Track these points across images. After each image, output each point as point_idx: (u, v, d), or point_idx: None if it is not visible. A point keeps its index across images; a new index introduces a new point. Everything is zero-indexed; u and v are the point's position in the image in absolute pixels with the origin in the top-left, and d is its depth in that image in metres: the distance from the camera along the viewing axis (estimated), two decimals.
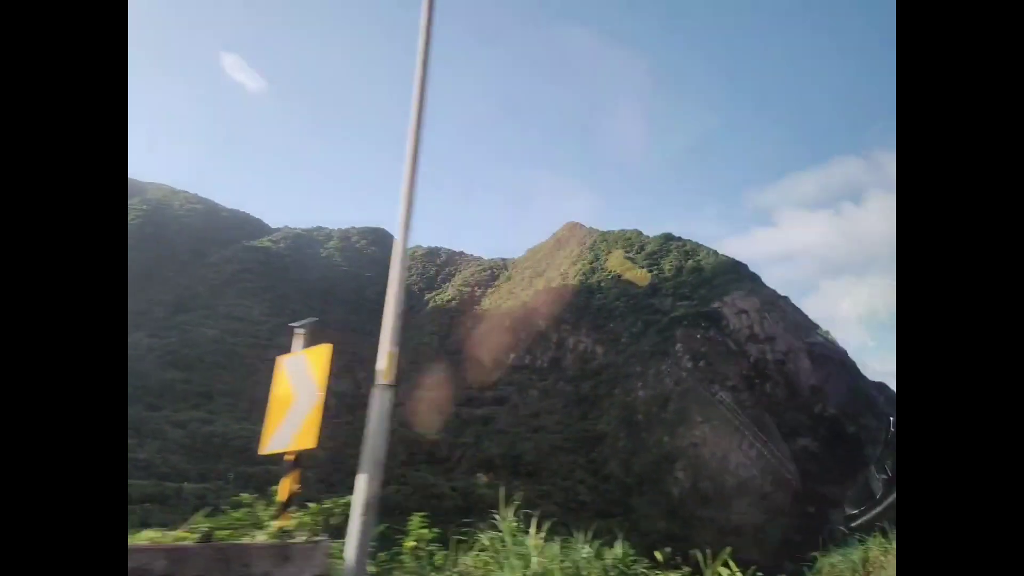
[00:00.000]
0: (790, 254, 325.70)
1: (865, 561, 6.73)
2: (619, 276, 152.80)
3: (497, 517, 6.18)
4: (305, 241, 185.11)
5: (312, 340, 6.10)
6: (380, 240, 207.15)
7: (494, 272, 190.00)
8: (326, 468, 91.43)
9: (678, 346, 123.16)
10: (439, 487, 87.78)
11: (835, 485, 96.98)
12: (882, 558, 6.96)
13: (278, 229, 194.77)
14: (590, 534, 5.56)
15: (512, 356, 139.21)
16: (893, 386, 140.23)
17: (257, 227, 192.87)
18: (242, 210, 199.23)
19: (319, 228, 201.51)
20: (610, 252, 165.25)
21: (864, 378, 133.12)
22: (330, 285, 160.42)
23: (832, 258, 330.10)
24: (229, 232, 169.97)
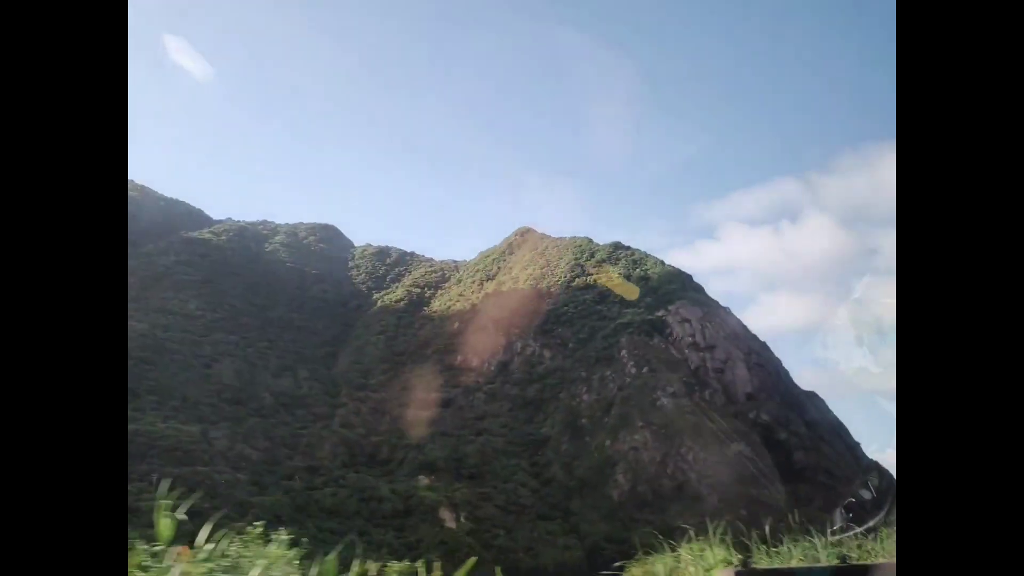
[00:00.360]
0: (732, 268, 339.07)
1: (672, 570, 6.58)
2: (570, 283, 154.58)
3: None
4: (249, 235, 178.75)
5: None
6: (330, 237, 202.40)
7: (445, 274, 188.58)
8: (259, 470, 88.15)
9: (623, 352, 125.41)
10: (378, 490, 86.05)
11: (765, 489, 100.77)
12: (691, 568, 6.65)
13: (220, 221, 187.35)
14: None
15: (459, 358, 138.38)
16: (824, 397, 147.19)
17: (198, 218, 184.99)
18: (181, 199, 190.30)
19: (265, 222, 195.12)
20: (561, 258, 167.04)
21: (797, 387, 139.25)
22: (273, 281, 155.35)
23: (770, 273, 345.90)
24: (166, 222, 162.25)
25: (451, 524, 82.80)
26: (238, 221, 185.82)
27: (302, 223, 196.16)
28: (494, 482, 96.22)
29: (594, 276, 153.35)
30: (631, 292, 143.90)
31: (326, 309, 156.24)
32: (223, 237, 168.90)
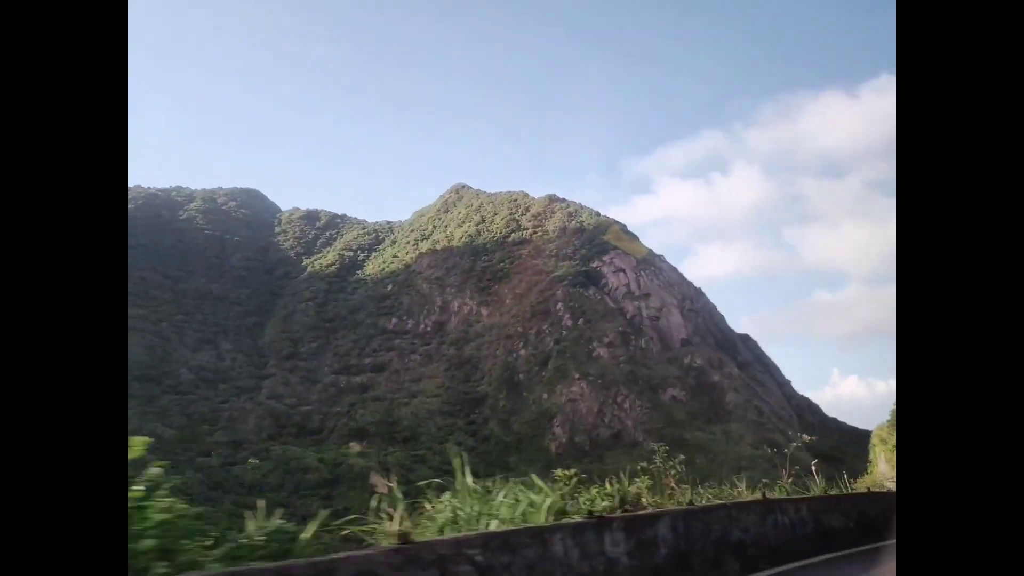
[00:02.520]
0: (667, 220, 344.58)
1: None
2: (506, 238, 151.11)
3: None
4: (161, 202, 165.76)
5: None
6: (252, 202, 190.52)
7: (379, 236, 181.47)
8: (174, 447, 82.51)
9: (559, 305, 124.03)
10: (305, 460, 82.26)
11: (699, 431, 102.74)
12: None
13: (128, 188, 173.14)
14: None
15: (394, 321, 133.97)
16: (758, 340, 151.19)
17: None
18: None
19: (178, 188, 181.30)
20: (496, 214, 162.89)
21: (731, 331, 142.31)
22: (189, 250, 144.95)
23: (704, 224, 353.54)
24: None
25: (383, 489, 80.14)
26: (147, 188, 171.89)
27: (221, 188, 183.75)
28: (429, 443, 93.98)
29: (529, 230, 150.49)
30: (639, 251, 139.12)
31: (250, 278, 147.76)
32: (130, 205, 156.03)
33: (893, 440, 35.80)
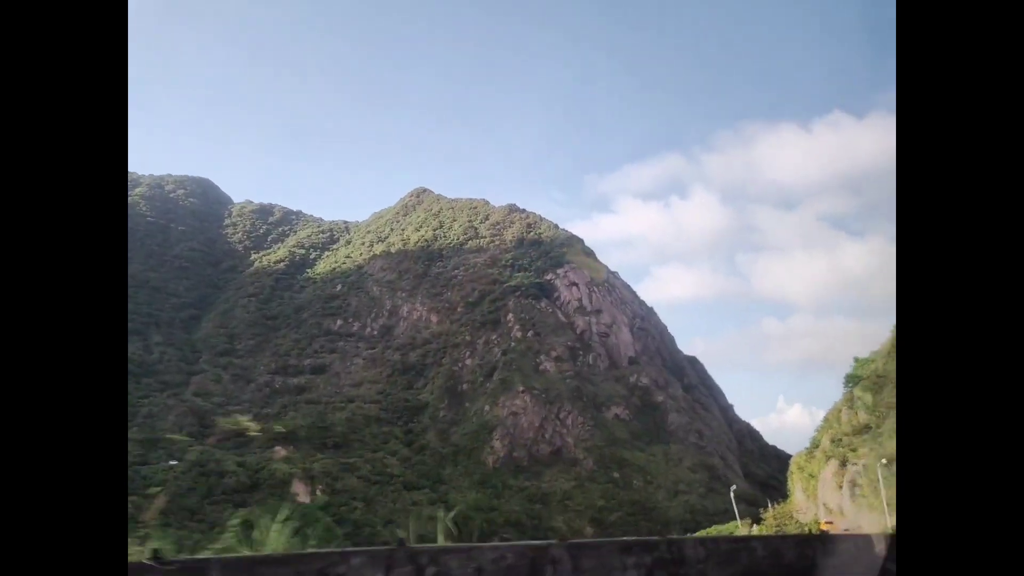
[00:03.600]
0: (627, 240, 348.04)
1: None
2: (463, 245, 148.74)
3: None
4: None
5: None
6: (203, 191, 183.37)
7: (334, 235, 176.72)
8: None
9: (510, 316, 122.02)
10: (224, 463, 77.46)
11: (639, 451, 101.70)
12: None
13: None
14: None
15: (339, 323, 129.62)
16: (704, 361, 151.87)
17: None
18: None
19: None
20: (455, 220, 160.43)
21: (680, 352, 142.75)
22: (128, 236, 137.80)
23: (662, 246, 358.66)
24: None
25: (304, 498, 76.14)
26: None
27: (170, 175, 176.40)
28: (361, 451, 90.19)
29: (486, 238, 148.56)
30: (594, 266, 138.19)
31: (192, 270, 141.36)
32: None
33: (811, 467, 35.38)
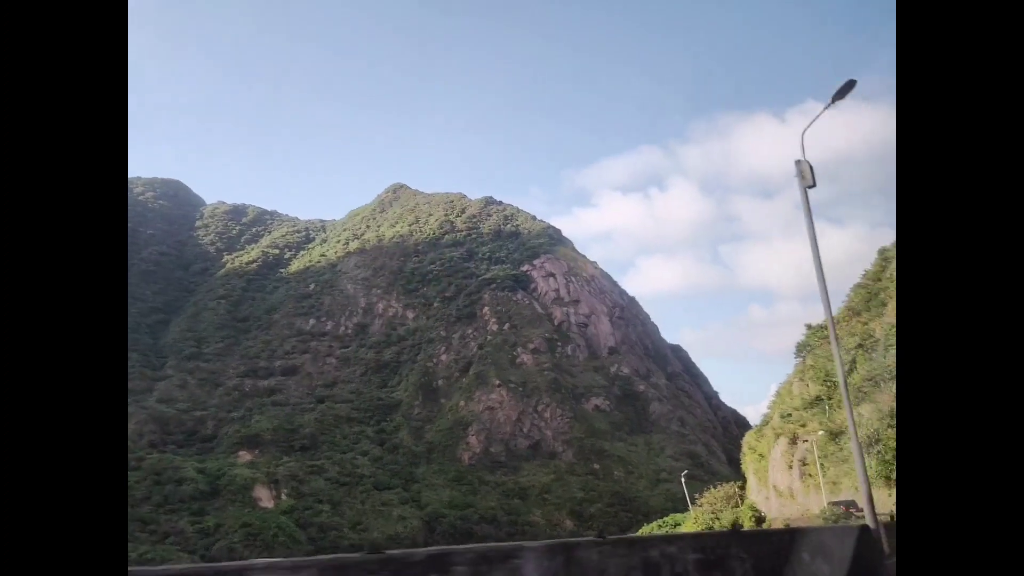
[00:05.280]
0: (610, 233, 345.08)
1: None
2: (439, 239, 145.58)
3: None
4: None
5: None
6: (175, 194, 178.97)
7: (310, 234, 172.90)
8: None
9: (486, 309, 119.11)
10: (182, 470, 74.09)
11: (620, 442, 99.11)
12: None
13: None
14: None
15: (312, 322, 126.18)
16: (689, 349, 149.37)
17: None
18: None
19: None
20: (431, 215, 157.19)
21: (663, 341, 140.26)
22: None
23: (645, 238, 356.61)
24: None
25: (267, 503, 72.88)
26: None
27: (140, 177, 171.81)
28: (330, 453, 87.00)
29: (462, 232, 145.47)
30: (571, 256, 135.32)
31: (160, 273, 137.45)
32: None
33: (761, 447, 32.72)
